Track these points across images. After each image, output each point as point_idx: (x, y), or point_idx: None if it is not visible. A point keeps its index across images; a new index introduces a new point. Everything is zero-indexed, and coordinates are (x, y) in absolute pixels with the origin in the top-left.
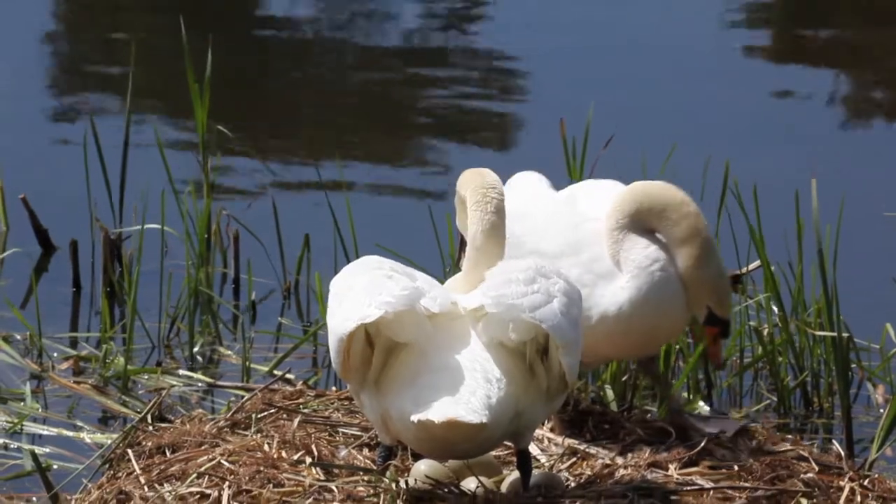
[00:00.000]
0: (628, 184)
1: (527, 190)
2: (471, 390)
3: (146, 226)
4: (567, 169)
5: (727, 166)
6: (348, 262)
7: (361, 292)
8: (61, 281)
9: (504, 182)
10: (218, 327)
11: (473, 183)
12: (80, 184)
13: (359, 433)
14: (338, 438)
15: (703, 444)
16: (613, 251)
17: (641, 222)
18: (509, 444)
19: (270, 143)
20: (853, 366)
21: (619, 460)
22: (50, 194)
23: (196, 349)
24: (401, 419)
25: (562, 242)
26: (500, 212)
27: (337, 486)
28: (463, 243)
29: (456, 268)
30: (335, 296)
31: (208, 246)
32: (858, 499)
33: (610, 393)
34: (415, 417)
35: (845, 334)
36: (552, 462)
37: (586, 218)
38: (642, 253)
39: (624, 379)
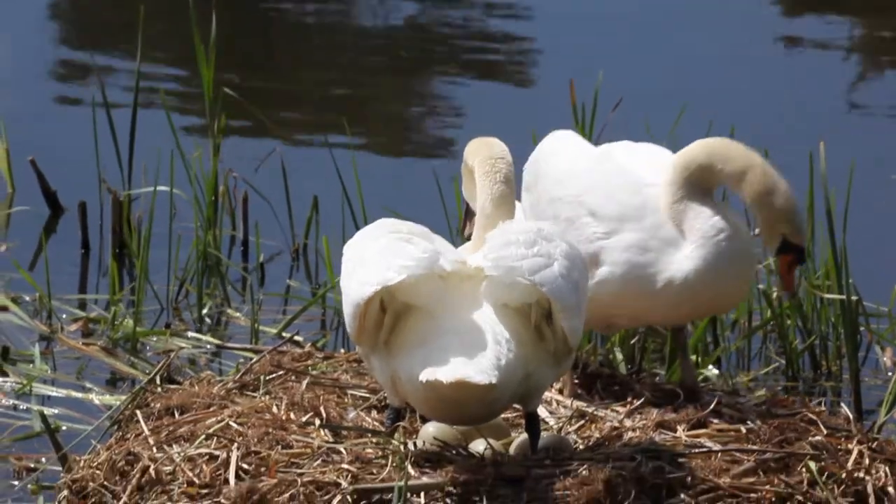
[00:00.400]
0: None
1: (570, 148)
2: (480, 351)
3: (155, 188)
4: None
5: (732, 130)
6: (356, 224)
7: (379, 256)
8: (70, 243)
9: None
10: (226, 289)
11: (481, 153)
12: (89, 145)
13: (367, 395)
14: (346, 400)
15: (711, 407)
16: (676, 220)
17: (701, 182)
18: (517, 406)
19: (279, 105)
20: (861, 329)
21: (628, 423)
22: (57, 155)
23: (204, 311)
24: (410, 380)
25: (626, 205)
26: (509, 181)
27: (345, 448)
28: (469, 212)
29: (461, 236)
30: (350, 259)
31: (216, 208)
32: (867, 462)
33: (619, 355)
34: (423, 377)
35: (854, 297)
36: (561, 424)
37: (645, 183)
38: (707, 222)
39: (633, 342)
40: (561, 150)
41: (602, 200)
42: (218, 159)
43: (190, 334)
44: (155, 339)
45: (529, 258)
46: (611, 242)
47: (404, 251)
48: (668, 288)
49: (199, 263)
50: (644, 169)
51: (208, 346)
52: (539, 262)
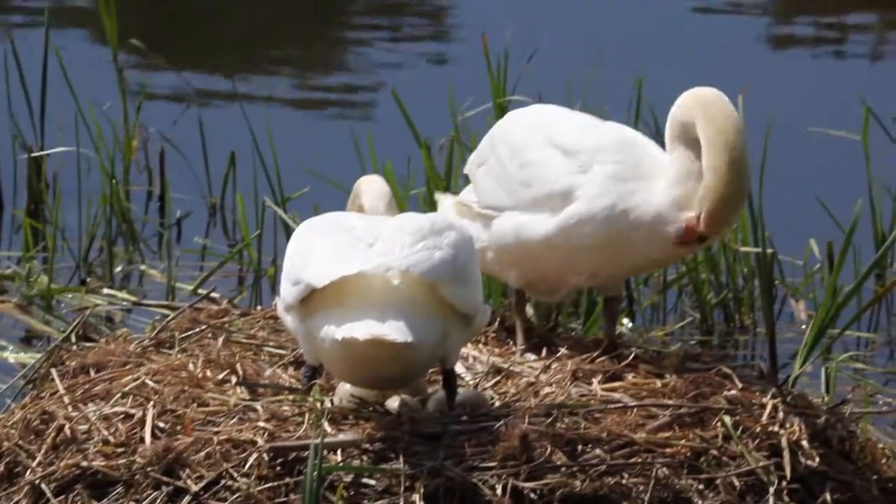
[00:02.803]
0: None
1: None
2: (396, 311)
3: (66, 148)
4: (490, 85)
5: (640, 84)
6: (269, 182)
7: (320, 256)
8: None
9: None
10: (139, 245)
11: (371, 192)
12: (1, 102)
13: (284, 352)
14: (263, 357)
15: (627, 361)
16: (670, 159)
17: (687, 131)
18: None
19: (194, 60)
20: (777, 282)
21: (544, 377)
22: None
23: (119, 269)
24: (326, 339)
25: (602, 139)
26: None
27: (262, 406)
28: None
29: None
30: (297, 251)
31: (129, 162)
32: (781, 415)
33: (537, 313)
34: (340, 335)
35: (770, 250)
36: (477, 380)
37: (618, 126)
38: (685, 164)
39: None
40: (525, 110)
41: (576, 137)
42: (135, 117)
43: (105, 291)
44: (70, 296)
45: (414, 254)
46: (587, 176)
47: (342, 254)
48: (642, 217)
49: (107, 219)
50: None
51: (124, 304)
52: (423, 255)
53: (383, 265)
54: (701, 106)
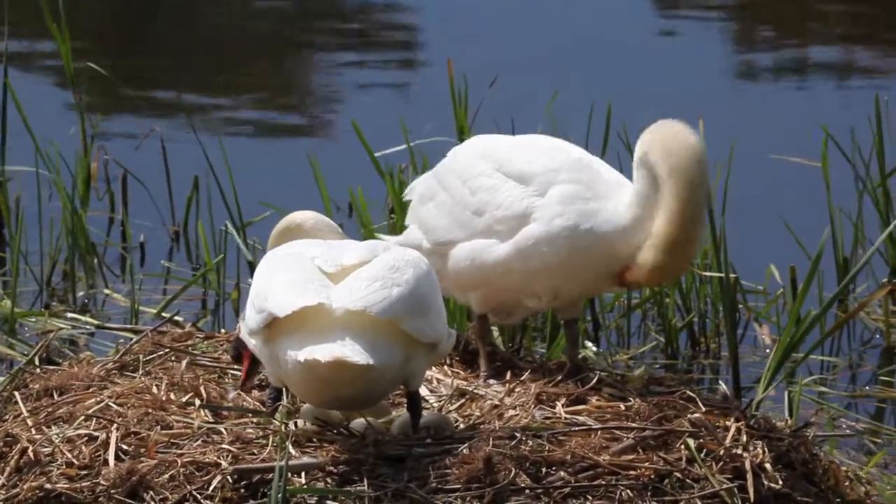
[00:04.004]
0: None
1: (479, 139)
2: (359, 335)
3: (24, 167)
4: (454, 110)
5: (609, 107)
6: (227, 208)
7: (280, 289)
8: None
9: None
10: (102, 269)
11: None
12: None
13: None
14: (227, 380)
15: (591, 384)
16: (635, 178)
17: (650, 167)
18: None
19: (154, 84)
20: (740, 307)
21: (508, 400)
22: None
23: (81, 292)
24: (289, 361)
25: (558, 160)
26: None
27: (226, 428)
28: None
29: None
30: (261, 281)
31: (88, 187)
32: (744, 438)
33: (500, 337)
34: (302, 357)
35: (732, 275)
36: (441, 403)
37: (570, 148)
38: (646, 187)
39: None
40: (470, 141)
41: (527, 163)
42: (86, 138)
43: (69, 315)
44: (33, 320)
45: (372, 293)
46: (544, 200)
47: (300, 289)
48: (605, 235)
49: (68, 243)
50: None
51: (87, 327)
52: (381, 293)
53: (341, 308)
54: (665, 151)
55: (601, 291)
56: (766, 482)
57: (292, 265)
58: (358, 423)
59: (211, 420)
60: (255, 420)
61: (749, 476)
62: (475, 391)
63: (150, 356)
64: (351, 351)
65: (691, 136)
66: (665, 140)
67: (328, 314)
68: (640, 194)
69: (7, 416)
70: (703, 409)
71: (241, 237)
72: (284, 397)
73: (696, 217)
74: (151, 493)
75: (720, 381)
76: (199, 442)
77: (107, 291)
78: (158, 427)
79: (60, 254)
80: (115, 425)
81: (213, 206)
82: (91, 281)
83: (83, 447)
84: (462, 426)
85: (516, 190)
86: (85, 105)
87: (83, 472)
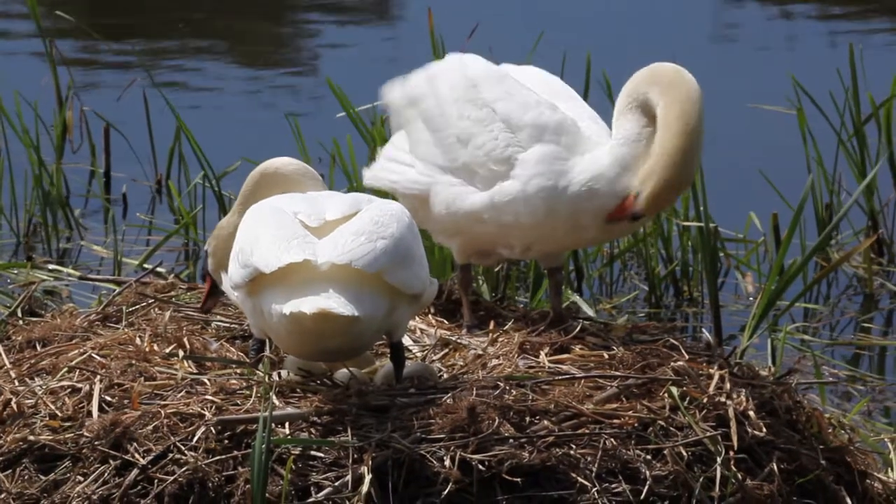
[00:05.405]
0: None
1: (477, 61)
2: (343, 286)
3: (20, 120)
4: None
5: (588, 57)
6: (208, 163)
7: (265, 244)
8: None
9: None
10: (78, 221)
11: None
12: None
13: (231, 325)
14: (210, 331)
15: (574, 333)
16: (615, 127)
17: (646, 103)
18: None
19: (137, 40)
20: (721, 255)
21: (491, 350)
22: None
23: (62, 244)
24: (274, 313)
25: (543, 119)
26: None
27: (209, 379)
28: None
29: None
30: (246, 236)
31: (64, 139)
32: (728, 386)
33: (484, 286)
34: (287, 310)
35: (712, 224)
36: (425, 353)
37: (557, 107)
38: (635, 128)
39: (497, 270)
40: (468, 60)
41: (518, 111)
42: (59, 89)
43: (51, 267)
44: (15, 272)
45: (357, 247)
46: (526, 154)
47: (285, 245)
48: (581, 189)
49: (37, 194)
50: (548, 96)
51: (70, 279)
52: (366, 247)
53: (326, 263)
54: (666, 85)
55: (583, 245)
56: (749, 430)
57: (276, 220)
58: (341, 373)
59: (194, 371)
60: (238, 371)
61: (732, 423)
62: (459, 341)
63: (133, 307)
64: (336, 303)
65: (690, 81)
66: (666, 74)
67: (313, 268)
68: (626, 137)
69: None
70: (687, 357)
71: (216, 189)
72: (267, 348)
73: (698, 130)
74: (135, 444)
75: (703, 330)
76: (182, 393)
77: (83, 243)
78: (142, 378)
79: (33, 206)
80: (99, 377)
81: (196, 160)
82: (67, 234)
83: (66, 399)
84: (445, 376)
85: (503, 134)
86: (60, 57)
87: (66, 424)
